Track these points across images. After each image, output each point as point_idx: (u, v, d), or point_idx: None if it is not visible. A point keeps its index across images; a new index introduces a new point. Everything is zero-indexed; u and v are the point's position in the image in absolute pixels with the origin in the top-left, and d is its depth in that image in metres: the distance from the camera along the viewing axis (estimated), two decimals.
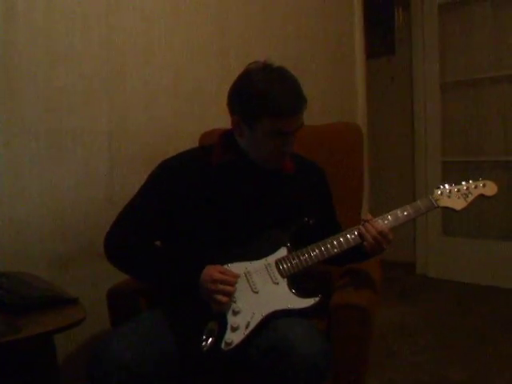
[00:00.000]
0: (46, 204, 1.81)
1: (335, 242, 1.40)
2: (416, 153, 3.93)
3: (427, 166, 3.84)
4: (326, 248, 1.39)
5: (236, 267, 1.36)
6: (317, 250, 1.39)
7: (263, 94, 1.32)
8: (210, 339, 1.28)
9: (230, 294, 1.30)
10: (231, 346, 1.27)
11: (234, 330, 1.28)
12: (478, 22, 3.62)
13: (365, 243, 1.39)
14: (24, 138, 1.76)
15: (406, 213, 1.44)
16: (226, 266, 1.36)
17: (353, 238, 1.41)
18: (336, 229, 1.50)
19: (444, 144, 3.79)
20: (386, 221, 1.42)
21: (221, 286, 1.29)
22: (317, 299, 1.32)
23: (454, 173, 3.72)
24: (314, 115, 2.77)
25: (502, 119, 3.57)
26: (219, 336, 1.28)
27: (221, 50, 2.36)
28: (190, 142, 2.08)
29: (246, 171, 1.45)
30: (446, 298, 3.39)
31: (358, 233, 1.40)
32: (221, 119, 2.35)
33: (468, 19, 3.65)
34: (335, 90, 2.98)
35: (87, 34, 1.90)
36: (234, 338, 1.27)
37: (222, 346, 1.27)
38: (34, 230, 1.79)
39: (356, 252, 1.43)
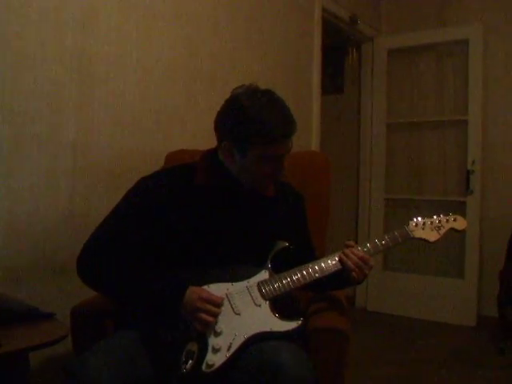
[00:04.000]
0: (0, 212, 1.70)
1: (316, 267, 1.41)
2: (360, 189, 4.08)
3: (371, 201, 3.99)
4: (308, 272, 1.40)
5: (217, 288, 1.34)
6: (298, 274, 1.39)
7: (255, 119, 1.32)
8: (190, 361, 1.24)
9: (215, 315, 1.28)
10: (213, 368, 1.23)
11: (216, 351, 1.25)
12: (423, 69, 3.88)
13: (349, 270, 1.40)
14: None
15: (383, 242, 1.49)
16: (206, 287, 1.33)
17: (333, 264, 1.43)
18: (311, 254, 1.52)
19: (387, 182, 3.97)
20: (365, 248, 1.46)
21: (208, 306, 1.27)
22: (299, 322, 1.32)
23: (395, 209, 3.89)
24: None
25: (442, 161, 3.80)
26: (199, 358, 1.24)
27: (189, 73, 2.37)
28: (154, 161, 2.06)
29: (229, 193, 1.45)
30: (384, 331, 3.49)
31: (339, 259, 1.43)
32: (186, 140, 2.37)
33: (414, 66, 3.91)
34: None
35: (60, 39, 1.85)
36: (215, 359, 1.24)
37: (203, 367, 1.23)
38: None
39: (337, 278, 1.45)
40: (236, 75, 2.58)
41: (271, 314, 1.33)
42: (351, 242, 1.46)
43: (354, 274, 1.41)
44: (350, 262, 1.41)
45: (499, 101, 3.64)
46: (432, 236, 1.54)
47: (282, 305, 1.39)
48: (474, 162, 3.57)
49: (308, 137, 3.22)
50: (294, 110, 1.39)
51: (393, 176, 3.98)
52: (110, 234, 1.39)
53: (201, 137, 2.33)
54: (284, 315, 1.34)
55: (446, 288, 3.67)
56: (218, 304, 1.29)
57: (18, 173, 1.74)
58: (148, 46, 2.17)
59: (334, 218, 4.00)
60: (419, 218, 1.56)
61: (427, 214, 1.59)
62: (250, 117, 1.32)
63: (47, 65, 1.81)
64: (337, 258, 1.43)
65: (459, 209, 3.62)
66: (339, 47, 4.20)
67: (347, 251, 1.43)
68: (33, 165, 1.78)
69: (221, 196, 1.44)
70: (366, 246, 1.47)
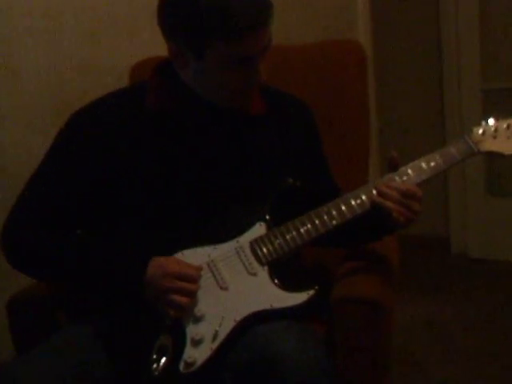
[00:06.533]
0: None
1: (334, 212, 1.44)
2: (445, 79, 3.98)
3: (462, 96, 3.90)
4: (322, 220, 1.43)
5: (194, 255, 1.40)
6: (308, 224, 1.43)
7: (210, 5, 1.32)
8: (164, 359, 1.32)
9: (191, 294, 1.34)
10: (194, 367, 1.31)
11: (197, 343, 1.32)
12: None
13: (388, 213, 1.41)
14: None
15: (433, 163, 1.48)
16: (179, 254, 1.40)
17: (359, 203, 1.45)
18: (333, 192, 1.55)
19: (485, 66, 3.85)
20: (404, 176, 1.46)
21: (179, 283, 1.33)
22: (311, 293, 1.37)
23: (498, 104, 3.78)
24: (295, 32, 2.81)
25: None
26: (175, 354, 1.32)
27: None
28: (115, 80, 2.10)
29: (196, 117, 1.49)
30: (492, 285, 3.49)
31: (372, 201, 1.43)
32: (158, 44, 2.37)
33: None
34: None
35: None
36: (196, 355, 1.32)
37: (181, 367, 1.31)
38: None
39: (371, 223, 1.48)
40: None
41: (271, 284, 1.38)
42: (394, 153, 1.46)
43: (395, 215, 1.41)
44: (388, 203, 1.41)
45: None
46: (508, 147, 1.52)
47: (288, 270, 1.44)
48: None
49: (351, 17, 3.15)
50: None
51: (492, 57, 3.86)
52: (40, 195, 1.47)
53: None
54: (291, 284, 1.39)
55: None
56: (195, 278, 1.35)
57: None
58: None
59: (409, 126, 4.01)
60: (490, 122, 1.54)
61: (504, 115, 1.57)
62: (203, 2, 1.32)
63: None
64: (363, 197, 1.45)
65: None
66: None
67: (382, 187, 1.43)
68: None
69: (184, 122, 1.49)
70: (405, 174, 1.47)
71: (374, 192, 1.44)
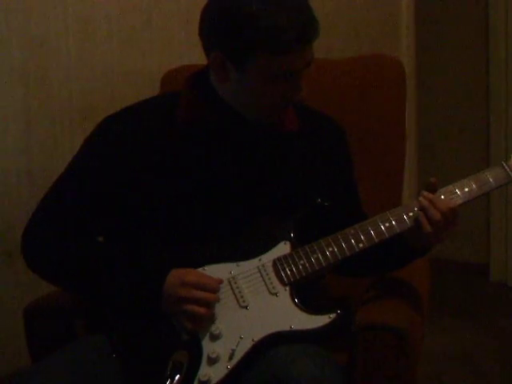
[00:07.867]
0: None
1: (361, 235, 1.43)
2: (492, 100, 3.93)
3: (509, 118, 3.85)
4: (348, 243, 1.43)
5: (216, 270, 1.40)
6: (334, 246, 1.42)
7: (257, 16, 1.33)
8: (177, 377, 1.32)
9: (209, 304, 1.35)
10: None
11: (213, 362, 1.32)
12: None
13: (426, 226, 1.39)
14: None
15: (467, 189, 1.47)
16: (201, 269, 1.40)
17: (388, 227, 1.43)
18: (358, 216, 1.53)
19: None
20: (442, 196, 1.44)
21: (196, 292, 1.33)
22: (333, 316, 1.36)
23: None
24: (337, 47, 2.81)
25: None
26: (190, 371, 1.32)
27: None
28: (145, 87, 2.12)
29: (227, 131, 1.50)
30: None
31: (420, 206, 1.41)
32: (191, 52, 2.39)
33: None
34: (368, 12, 3.00)
35: None
36: (211, 373, 1.31)
37: None
38: None
39: (394, 250, 1.47)
40: None
41: (293, 305, 1.38)
42: (433, 179, 1.44)
43: (434, 229, 1.39)
44: (434, 210, 1.39)
45: None
46: None
47: (311, 292, 1.44)
48: None
49: (394, 33, 3.16)
50: None
51: None
52: (62, 202, 1.49)
53: None
54: (313, 307, 1.38)
55: None
56: (213, 288, 1.35)
57: None
58: None
59: (450, 147, 3.96)
60: None
61: None
62: (249, 14, 1.34)
63: None
64: (394, 222, 1.44)
65: None
66: None
67: (426, 202, 1.41)
68: None
69: (215, 136, 1.49)
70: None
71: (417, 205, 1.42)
